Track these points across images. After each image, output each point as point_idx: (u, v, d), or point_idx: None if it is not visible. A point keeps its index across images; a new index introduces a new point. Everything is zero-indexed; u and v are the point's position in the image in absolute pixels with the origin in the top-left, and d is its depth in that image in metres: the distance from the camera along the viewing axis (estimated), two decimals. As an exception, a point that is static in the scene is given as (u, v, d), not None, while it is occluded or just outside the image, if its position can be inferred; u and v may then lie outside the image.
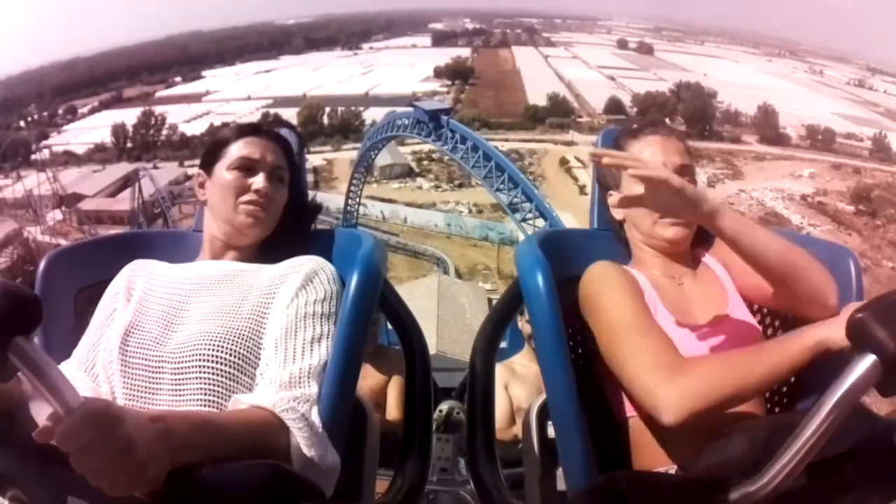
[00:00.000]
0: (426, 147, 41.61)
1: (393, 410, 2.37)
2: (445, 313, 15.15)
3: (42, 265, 1.22)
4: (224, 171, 1.17)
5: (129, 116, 45.22)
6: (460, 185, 39.27)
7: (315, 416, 0.95)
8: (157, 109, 46.46)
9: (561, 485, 1.08)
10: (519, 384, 2.48)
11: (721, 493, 0.70)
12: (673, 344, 0.97)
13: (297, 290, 1.06)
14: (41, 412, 0.66)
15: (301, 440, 0.90)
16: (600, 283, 1.09)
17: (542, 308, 1.04)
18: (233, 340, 1.01)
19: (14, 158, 39.85)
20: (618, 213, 1.23)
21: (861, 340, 0.65)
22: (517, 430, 2.32)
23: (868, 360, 0.64)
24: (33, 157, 40.02)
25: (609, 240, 1.28)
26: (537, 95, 48.90)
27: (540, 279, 1.04)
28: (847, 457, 0.72)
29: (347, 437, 1.02)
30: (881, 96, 52.45)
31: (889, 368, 0.63)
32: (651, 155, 1.16)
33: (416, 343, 1.33)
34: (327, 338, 1.03)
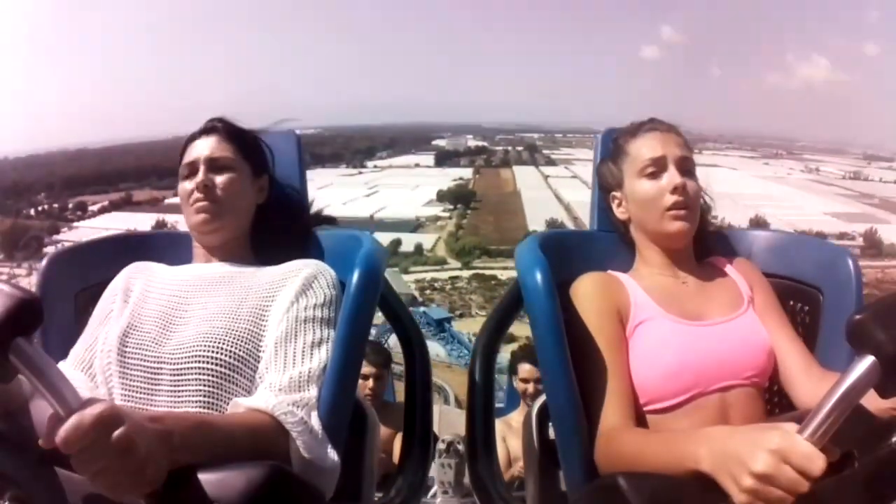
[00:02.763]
0: (429, 276, 42.77)
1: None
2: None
3: (42, 266, 1.22)
4: (180, 185, 1.18)
5: (139, 221, 45.15)
6: (461, 315, 40.40)
7: (315, 420, 0.94)
8: (169, 218, 46.27)
9: (561, 485, 1.08)
10: (515, 437, 2.59)
11: (722, 494, 0.70)
12: (625, 389, 1.04)
13: (297, 295, 1.06)
14: (41, 411, 0.66)
15: (300, 443, 0.90)
16: (580, 305, 1.10)
17: (541, 308, 1.04)
18: (232, 342, 1.00)
19: (27, 249, 40.02)
20: (622, 213, 1.23)
21: (860, 342, 0.65)
22: (514, 471, 2.46)
23: (867, 362, 0.64)
24: (45, 249, 40.15)
25: (609, 241, 1.28)
26: (537, 221, 49.89)
27: (540, 279, 1.04)
28: (847, 457, 0.72)
29: (347, 438, 1.02)
30: (876, 186, 53.19)
31: (888, 370, 0.63)
32: (651, 149, 1.16)
33: (415, 343, 1.33)
34: (327, 342, 1.03)
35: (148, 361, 1.00)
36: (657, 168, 1.15)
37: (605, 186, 1.25)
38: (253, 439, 0.85)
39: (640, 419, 1.05)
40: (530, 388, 2.74)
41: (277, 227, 1.22)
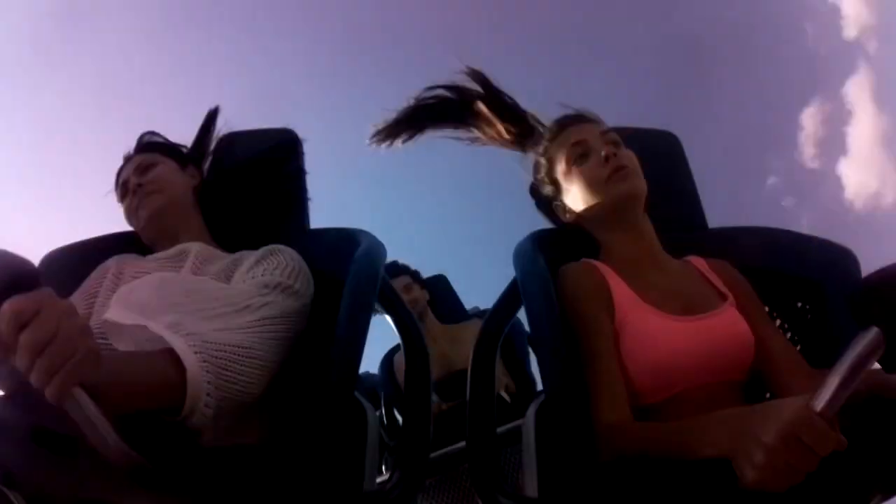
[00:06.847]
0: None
1: None
2: None
3: (41, 265, 1.21)
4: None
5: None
6: None
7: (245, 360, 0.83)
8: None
9: (560, 484, 1.05)
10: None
11: (724, 475, 0.69)
12: (619, 380, 0.98)
13: (256, 263, 1.05)
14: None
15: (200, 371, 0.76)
16: (568, 297, 1.07)
17: (539, 306, 1.03)
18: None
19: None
20: (570, 216, 1.20)
21: (865, 314, 0.64)
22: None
23: (872, 333, 0.63)
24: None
25: None
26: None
27: (537, 277, 1.04)
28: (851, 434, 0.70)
29: (347, 436, 1.01)
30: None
31: (893, 340, 0.62)
32: (567, 140, 1.16)
33: (415, 340, 1.31)
34: (280, 304, 0.95)
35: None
36: (583, 150, 1.14)
37: (544, 201, 1.25)
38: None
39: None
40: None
41: (266, 225, 1.24)
